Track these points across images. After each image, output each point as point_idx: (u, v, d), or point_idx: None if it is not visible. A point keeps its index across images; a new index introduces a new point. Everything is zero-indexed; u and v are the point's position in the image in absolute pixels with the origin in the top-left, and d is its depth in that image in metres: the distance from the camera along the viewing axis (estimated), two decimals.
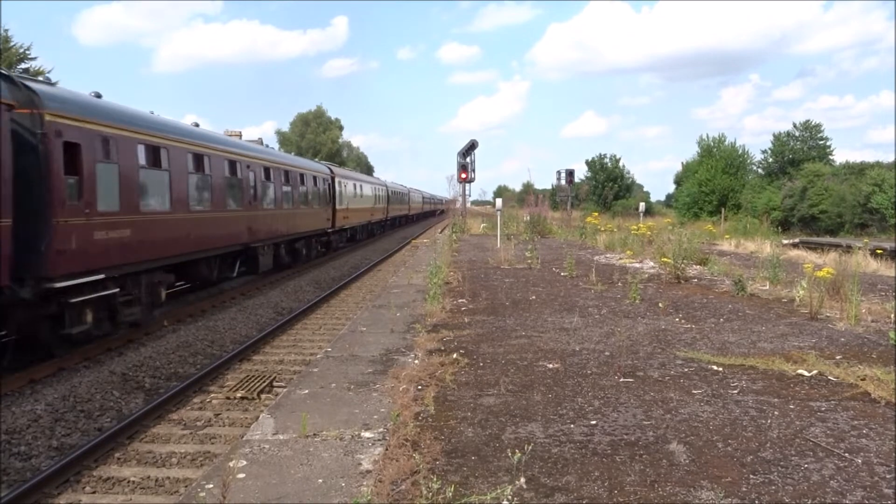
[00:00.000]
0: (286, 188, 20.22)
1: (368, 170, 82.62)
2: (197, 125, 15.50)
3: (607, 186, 71.90)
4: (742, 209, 50.57)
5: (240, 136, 18.94)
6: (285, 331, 12.21)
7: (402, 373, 5.70)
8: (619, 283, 11.16)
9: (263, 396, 8.22)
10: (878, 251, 16.93)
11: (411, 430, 4.27)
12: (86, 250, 9.37)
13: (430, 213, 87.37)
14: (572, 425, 4.46)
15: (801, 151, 57.02)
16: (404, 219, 58.91)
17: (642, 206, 29.61)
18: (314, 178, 23.92)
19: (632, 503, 3.35)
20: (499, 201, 22.99)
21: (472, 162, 30.14)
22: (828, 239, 29.35)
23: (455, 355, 6.32)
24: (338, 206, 26.83)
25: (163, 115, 13.59)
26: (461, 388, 5.33)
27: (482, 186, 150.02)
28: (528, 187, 46.75)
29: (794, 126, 59.18)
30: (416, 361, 6.17)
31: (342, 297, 16.36)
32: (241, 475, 3.69)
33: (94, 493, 5.71)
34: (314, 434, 4.33)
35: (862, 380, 5.35)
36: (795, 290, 9.41)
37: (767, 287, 10.60)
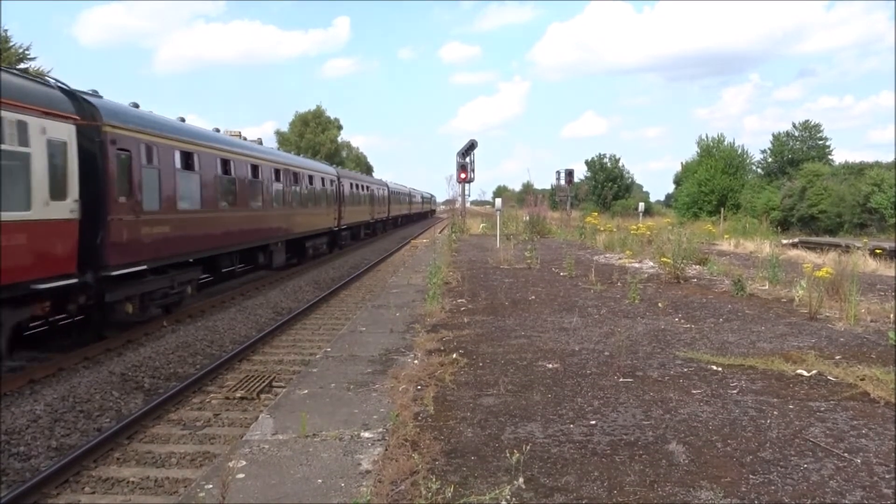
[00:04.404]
0: None
1: (368, 170, 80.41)
2: None
3: (607, 186, 71.90)
4: (741, 209, 50.58)
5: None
6: (285, 331, 12.20)
7: (402, 373, 5.70)
8: (619, 283, 11.16)
9: (263, 396, 8.22)
10: (878, 251, 16.96)
11: (411, 431, 4.27)
12: None
13: (422, 214, 79.59)
14: (572, 425, 4.46)
15: (800, 151, 57.01)
16: (382, 224, 42.46)
17: (642, 206, 29.68)
18: None
19: (631, 503, 3.35)
20: (498, 201, 23.01)
21: (472, 162, 30.07)
22: (827, 239, 29.39)
23: (454, 355, 6.32)
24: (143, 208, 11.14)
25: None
26: (460, 388, 5.33)
27: (482, 186, 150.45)
28: (527, 187, 46.76)
29: (794, 126, 59.21)
30: (416, 361, 6.17)
31: (342, 297, 16.36)
32: (241, 475, 3.69)
33: (93, 493, 5.71)
34: (313, 434, 4.32)
35: (861, 380, 5.35)
36: (795, 290, 9.41)
37: (767, 287, 10.60)
